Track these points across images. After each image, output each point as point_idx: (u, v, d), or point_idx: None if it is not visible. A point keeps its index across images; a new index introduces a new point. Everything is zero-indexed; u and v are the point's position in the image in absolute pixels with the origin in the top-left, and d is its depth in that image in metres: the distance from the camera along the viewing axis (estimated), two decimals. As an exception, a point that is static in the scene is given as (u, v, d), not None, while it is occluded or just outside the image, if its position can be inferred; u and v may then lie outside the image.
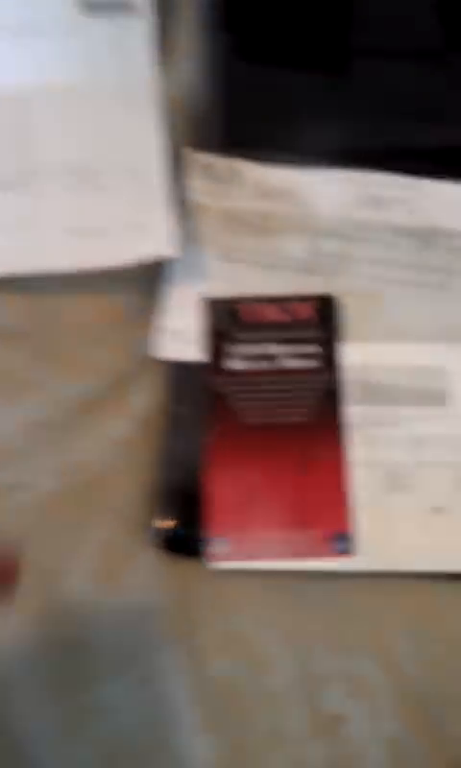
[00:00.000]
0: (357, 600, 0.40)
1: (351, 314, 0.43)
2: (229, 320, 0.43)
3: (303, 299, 0.43)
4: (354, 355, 0.43)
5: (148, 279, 0.43)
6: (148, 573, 0.39)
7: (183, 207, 0.44)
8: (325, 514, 0.40)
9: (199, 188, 0.44)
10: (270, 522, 0.40)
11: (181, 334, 0.42)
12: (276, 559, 0.39)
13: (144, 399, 0.42)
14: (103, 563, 0.39)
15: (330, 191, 0.45)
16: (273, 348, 0.42)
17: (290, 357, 0.42)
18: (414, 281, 0.44)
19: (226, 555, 0.39)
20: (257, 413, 0.41)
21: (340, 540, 0.40)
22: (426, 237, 0.44)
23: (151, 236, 0.42)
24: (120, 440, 0.41)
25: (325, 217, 0.45)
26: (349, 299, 0.43)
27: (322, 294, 0.44)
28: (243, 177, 0.45)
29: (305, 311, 0.43)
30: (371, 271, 0.44)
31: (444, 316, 0.44)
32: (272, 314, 0.43)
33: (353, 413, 0.42)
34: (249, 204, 0.45)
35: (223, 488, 0.40)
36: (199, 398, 0.42)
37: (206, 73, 0.46)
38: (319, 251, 0.44)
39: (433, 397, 0.42)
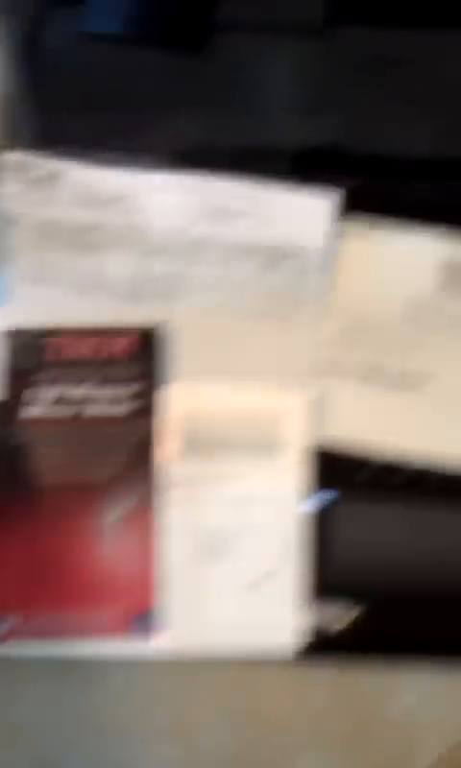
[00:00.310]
0: (162, 681, 0.36)
1: (181, 348, 0.38)
2: (31, 356, 0.37)
3: (123, 331, 0.37)
4: (180, 398, 0.37)
5: None
6: None
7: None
8: (127, 588, 0.35)
9: (7, 194, 0.38)
10: (62, 599, 0.35)
11: (-30, 375, 0.37)
12: (67, 640, 0.35)
13: None
14: None
15: (166, 200, 0.38)
16: (82, 391, 0.37)
17: (102, 402, 0.37)
18: (255, 310, 0.38)
19: (7, 636, 0.34)
20: (56, 469, 0.36)
21: (142, 618, 0.35)
22: (273, 256, 0.38)
23: None
24: None
25: (157, 231, 0.38)
26: (179, 330, 0.38)
27: (145, 325, 0.38)
28: (63, 180, 0.38)
29: (124, 346, 0.37)
30: (207, 296, 0.38)
31: (284, 352, 0.38)
32: (84, 349, 0.37)
33: (172, 468, 0.36)
34: (67, 213, 0.38)
35: (7, 559, 0.35)
36: (-13, 452, 0.36)
37: (22, 52, 0.39)
38: (148, 272, 0.38)
39: (265, 448, 0.37)
